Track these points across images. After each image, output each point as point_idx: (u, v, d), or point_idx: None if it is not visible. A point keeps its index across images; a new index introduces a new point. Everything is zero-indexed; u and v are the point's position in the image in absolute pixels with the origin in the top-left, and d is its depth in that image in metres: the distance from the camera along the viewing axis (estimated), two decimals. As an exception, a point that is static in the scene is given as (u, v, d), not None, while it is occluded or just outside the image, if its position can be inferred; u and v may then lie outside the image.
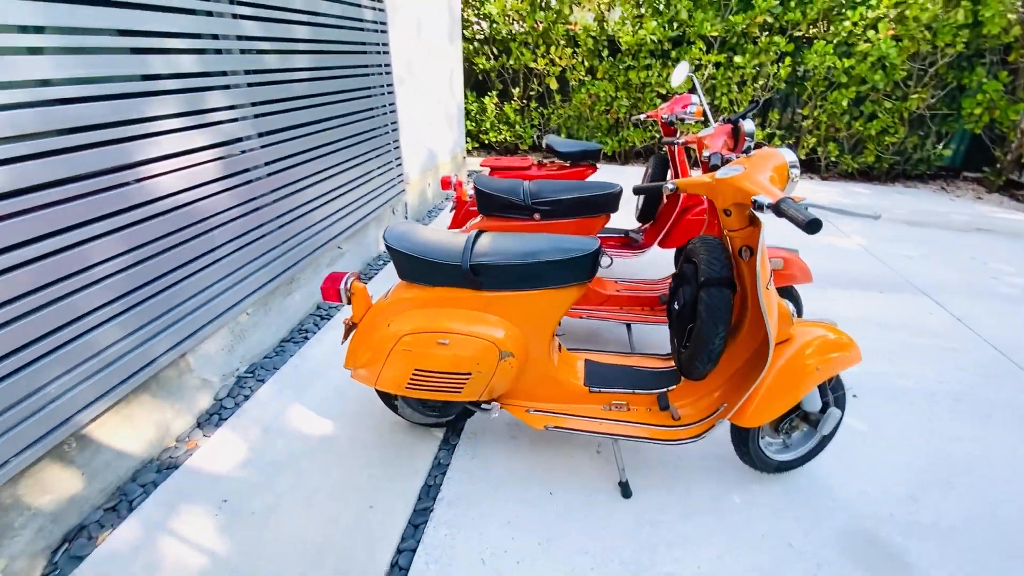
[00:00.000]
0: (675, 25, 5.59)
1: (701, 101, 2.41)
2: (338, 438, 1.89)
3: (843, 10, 5.17)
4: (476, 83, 6.59)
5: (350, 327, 1.64)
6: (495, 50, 6.24)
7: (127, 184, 1.61)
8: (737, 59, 5.46)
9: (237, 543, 1.49)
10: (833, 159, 5.90)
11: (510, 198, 2.13)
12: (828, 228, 4.28)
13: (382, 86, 3.36)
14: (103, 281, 1.55)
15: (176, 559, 1.44)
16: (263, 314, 2.38)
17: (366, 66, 3.12)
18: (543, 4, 5.91)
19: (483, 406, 1.70)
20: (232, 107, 2.04)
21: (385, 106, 3.43)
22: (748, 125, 1.98)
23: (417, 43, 4.01)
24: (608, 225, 2.64)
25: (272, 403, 2.07)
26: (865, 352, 2.44)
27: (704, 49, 5.53)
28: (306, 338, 2.55)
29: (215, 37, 1.96)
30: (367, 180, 3.23)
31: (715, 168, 1.61)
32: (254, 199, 2.20)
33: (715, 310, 1.39)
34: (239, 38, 2.07)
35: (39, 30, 1.37)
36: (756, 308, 1.43)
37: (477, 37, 6.23)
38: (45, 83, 1.38)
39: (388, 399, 1.84)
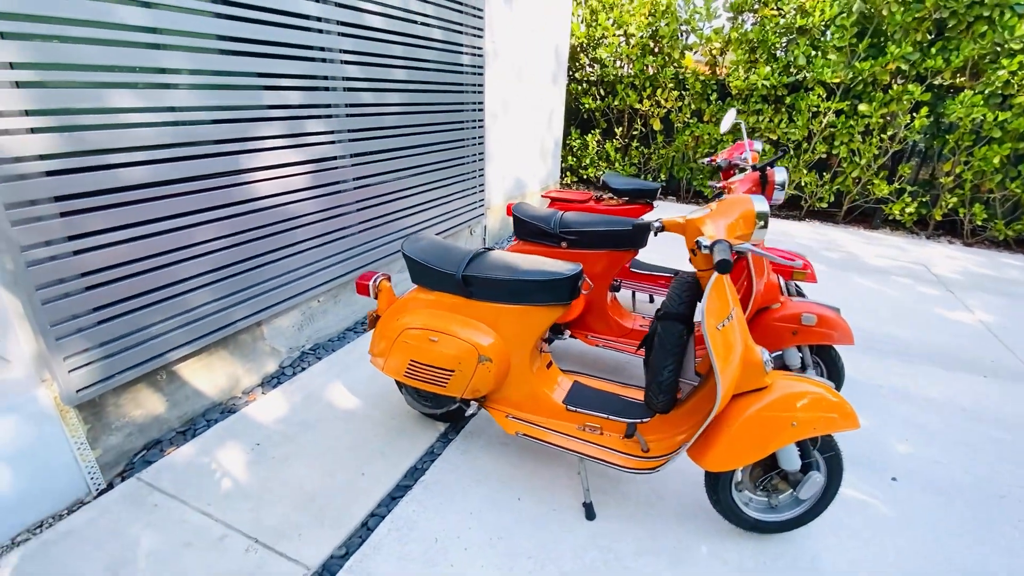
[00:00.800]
0: (791, 70, 5.36)
1: (747, 147, 2.38)
2: (357, 413, 2.19)
3: (998, 58, 4.55)
4: (582, 121, 6.88)
5: (374, 318, 1.94)
6: (602, 91, 6.49)
7: (234, 185, 2.10)
8: (862, 107, 5.05)
9: (255, 476, 1.83)
10: (980, 223, 5.10)
11: (541, 226, 2.31)
12: (948, 299, 3.74)
13: (473, 121, 3.77)
14: (204, 256, 2.04)
15: (212, 476, 1.81)
16: (332, 304, 2.82)
17: (460, 103, 3.55)
18: (654, 49, 6.05)
19: (464, 404, 1.88)
20: (331, 132, 2.53)
21: (474, 138, 3.83)
22: (779, 174, 1.94)
23: (516, 84, 4.40)
24: (665, 264, 2.67)
25: (320, 377, 2.45)
26: (931, 436, 2.17)
27: (823, 96, 5.21)
28: (364, 331, 2.94)
29: (325, 78, 2.47)
30: (447, 202, 3.63)
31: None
32: (339, 207, 2.66)
33: (665, 343, 1.43)
34: (344, 79, 2.56)
35: (196, 72, 1.91)
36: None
37: (587, 79, 6.53)
38: (189, 109, 1.90)
39: (399, 386, 2.11)
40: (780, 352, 2.12)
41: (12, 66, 1.43)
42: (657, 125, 6.22)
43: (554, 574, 1.51)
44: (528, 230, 2.36)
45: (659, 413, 1.61)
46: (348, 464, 1.90)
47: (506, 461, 1.95)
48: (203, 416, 2.16)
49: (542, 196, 3.38)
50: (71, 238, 1.62)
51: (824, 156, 5.50)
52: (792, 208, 6.07)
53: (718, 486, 1.59)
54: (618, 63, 6.24)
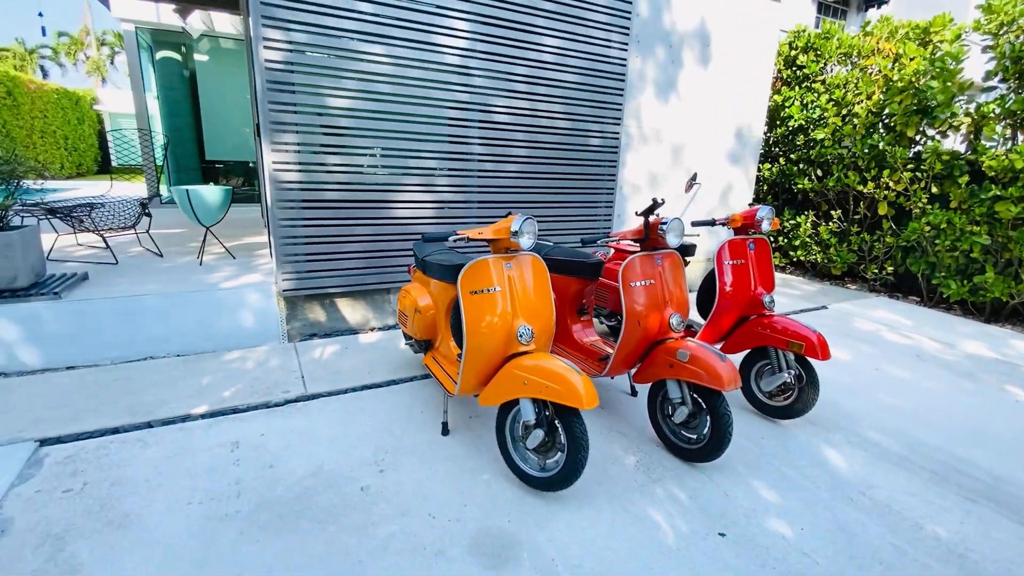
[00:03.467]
0: (1085, 146, 3.97)
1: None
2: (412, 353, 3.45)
3: None
4: (797, 201, 6.46)
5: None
6: (818, 172, 6.01)
7: (387, 204, 3.76)
8: None
9: (348, 362, 3.31)
10: None
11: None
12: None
13: (603, 201, 4.63)
14: (362, 242, 3.73)
15: (328, 361, 3.40)
16: (442, 296, 4.20)
17: (593, 187, 4.51)
18: (881, 127, 5.36)
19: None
20: (465, 190, 3.98)
21: (602, 215, 4.67)
22: (671, 226, 2.27)
23: (671, 163, 4.97)
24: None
25: (407, 333, 3.84)
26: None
27: None
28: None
29: (465, 140, 3.95)
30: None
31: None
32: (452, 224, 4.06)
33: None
34: (481, 142, 4.00)
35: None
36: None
37: (803, 159, 6.19)
38: (372, 165, 3.66)
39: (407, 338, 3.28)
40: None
41: (298, 150, 3.41)
42: (884, 209, 5.37)
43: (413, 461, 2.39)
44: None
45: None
46: (383, 369, 3.19)
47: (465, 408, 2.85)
48: (342, 331, 3.83)
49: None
50: (300, 219, 3.51)
51: None
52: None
53: (500, 429, 2.15)
54: (843, 143, 5.75)
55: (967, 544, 1.89)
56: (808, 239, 6.17)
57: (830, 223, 5.98)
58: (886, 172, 5.25)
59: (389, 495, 2.02)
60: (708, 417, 2.19)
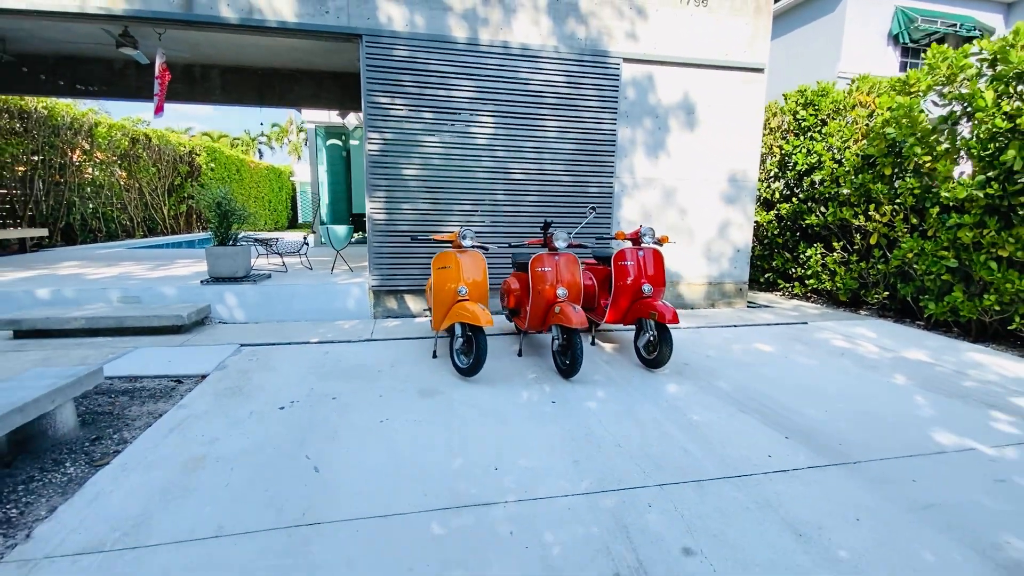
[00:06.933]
0: (1018, 179, 4.49)
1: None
2: (436, 327, 5.31)
3: None
4: (806, 234, 7.14)
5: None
6: (822, 209, 6.71)
7: (429, 227, 5.75)
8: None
9: (401, 331, 5.29)
10: None
11: (521, 260, 4.75)
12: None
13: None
14: (418, 256, 5.75)
15: (389, 328, 5.40)
16: (476, 298, 6.01)
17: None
18: (866, 165, 6.04)
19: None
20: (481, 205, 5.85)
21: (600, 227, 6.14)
22: (557, 235, 3.81)
23: (664, 206, 6.28)
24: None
25: (446, 319, 5.70)
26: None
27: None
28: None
29: (492, 192, 5.84)
30: (569, 267, 6.11)
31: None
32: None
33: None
34: (504, 193, 5.85)
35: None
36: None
37: (811, 197, 6.92)
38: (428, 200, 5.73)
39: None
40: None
41: (389, 197, 5.60)
42: (874, 239, 5.98)
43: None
44: (516, 263, 4.83)
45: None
46: (416, 333, 5.07)
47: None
48: (405, 315, 5.82)
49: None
50: (385, 243, 5.64)
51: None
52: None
53: (451, 343, 3.84)
54: (838, 182, 6.47)
55: (727, 439, 3.06)
56: (819, 268, 6.81)
57: (834, 253, 6.61)
58: (871, 206, 5.92)
59: (391, 373, 3.82)
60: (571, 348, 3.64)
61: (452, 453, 2.65)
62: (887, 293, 5.99)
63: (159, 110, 6.18)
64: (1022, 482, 2.47)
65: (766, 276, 8.05)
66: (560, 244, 3.89)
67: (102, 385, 3.46)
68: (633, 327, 4.45)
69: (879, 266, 5.98)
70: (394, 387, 3.55)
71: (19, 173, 10.28)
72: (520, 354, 4.33)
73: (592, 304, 4.54)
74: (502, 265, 5.73)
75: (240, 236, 6.02)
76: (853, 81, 6.50)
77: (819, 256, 6.82)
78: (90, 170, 12.10)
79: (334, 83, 8.84)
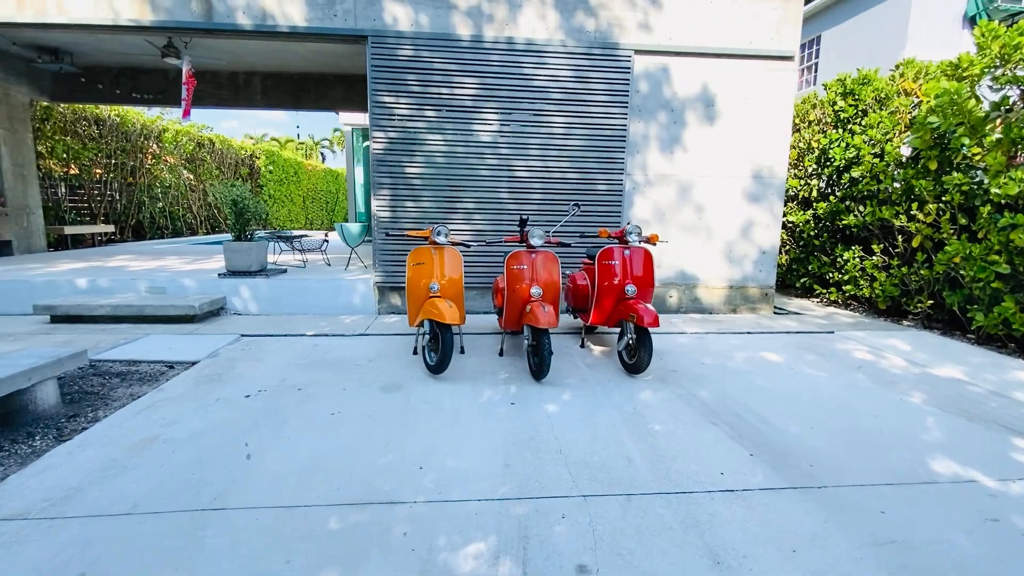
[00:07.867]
0: (1082, 171, 3.87)
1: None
2: (433, 324, 5.32)
3: None
4: (845, 236, 6.52)
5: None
6: (860, 208, 6.09)
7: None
8: None
9: (397, 327, 5.36)
10: None
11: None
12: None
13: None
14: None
15: (388, 324, 5.49)
16: (478, 297, 5.97)
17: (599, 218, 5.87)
18: (909, 159, 5.42)
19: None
20: (497, 201, 5.80)
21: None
22: (533, 232, 3.69)
23: (678, 204, 5.97)
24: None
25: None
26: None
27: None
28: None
29: (495, 190, 5.79)
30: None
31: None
32: (488, 247, 5.84)
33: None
34: (508, 191, 5.78)
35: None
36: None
37: (849, 196, 6.31)
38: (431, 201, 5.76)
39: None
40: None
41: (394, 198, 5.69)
42: (917, 242, 5.37)
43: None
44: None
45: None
46: (412, 331, 5.12)
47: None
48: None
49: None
50: (389, 239, 5.74)
51: None
52: None
53: (419, 340, 3.82)
54: (878, 179, 5.86)
55: (681, 452, 2.86)
56: (857, 273, 6.21)
57: (874, 257, 6.00)
58: (914, 205, 5.33)
59: (366, 367, 3.86)
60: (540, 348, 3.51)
61: (386, 449, 2.63)
62: (931, 302, 5.36)
63: (186, 113, 6.63)
64: (1018, 523, 2.10)
65: (802, 280, 7.45)
66: (535, 241, 3.77)
67: (101, 367, 3.74)
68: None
69: (922, 271, 5.36)
70: (362, 380, 3.59)
71: (96, 175, 11.43)
72: (501, 354, 4.25)
73: (586, 305, 4.37)
74: (501, 265, 5.66)
75: (259, 233, 6.33)
76: (897, 66, 5.87)
77: (857, 260, 6.21)
78: (161, 171, 13.23)
79: (362, 85, 9.10)
